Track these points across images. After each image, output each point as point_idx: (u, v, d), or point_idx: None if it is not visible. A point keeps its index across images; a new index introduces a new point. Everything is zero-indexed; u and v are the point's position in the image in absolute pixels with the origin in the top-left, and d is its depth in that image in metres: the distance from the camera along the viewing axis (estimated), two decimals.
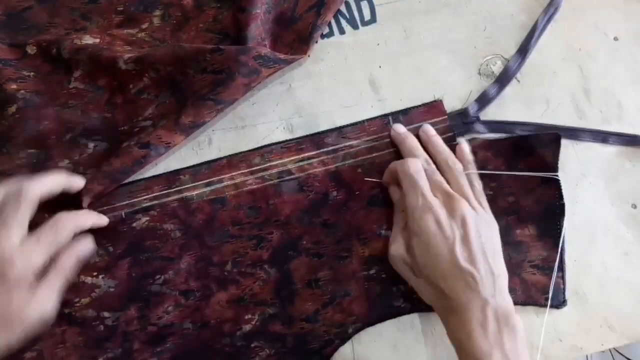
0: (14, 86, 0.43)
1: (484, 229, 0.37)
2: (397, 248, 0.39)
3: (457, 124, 0.44)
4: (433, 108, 0.44)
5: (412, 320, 0.41)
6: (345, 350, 0.40)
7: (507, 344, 0.33)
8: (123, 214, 0.42)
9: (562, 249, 0.41)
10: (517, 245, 0.42)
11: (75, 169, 0.42)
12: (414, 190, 0.38)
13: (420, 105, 0.44)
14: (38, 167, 0.42)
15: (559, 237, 0.41)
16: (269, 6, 0.45)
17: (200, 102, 0.41)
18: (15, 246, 0.34)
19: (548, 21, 0.47)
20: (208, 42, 0.45)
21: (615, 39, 0.47)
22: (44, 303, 0.35)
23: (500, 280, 0.36)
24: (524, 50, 0.46)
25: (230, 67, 0.40)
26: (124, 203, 0.42)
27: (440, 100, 0.45)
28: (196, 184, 0.43)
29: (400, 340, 0.40)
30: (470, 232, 0.36)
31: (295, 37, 0.45)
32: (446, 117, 0.44)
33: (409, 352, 0.40)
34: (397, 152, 0.43)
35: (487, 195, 0.42)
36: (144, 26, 0.46)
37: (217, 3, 0.46)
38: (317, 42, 0.45)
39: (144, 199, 0.42)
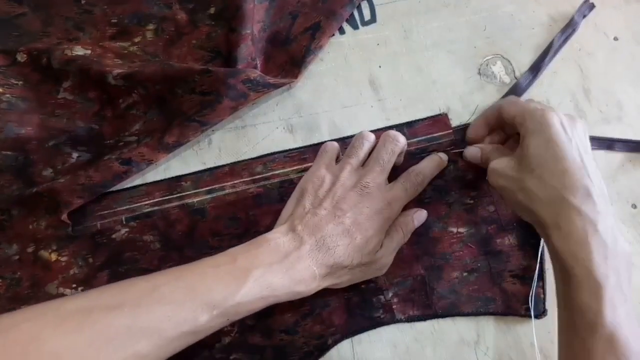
0: None
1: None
2: (500, 162, 0.37)
3: (461, 139, 0.44)
4: (438, 121, 0.44)
5: None
6: (345, 350, 0.40)
7: (622, 271, 0.31)
8: (123, 219, 0.42)
9: (542, 258, 0.41)
10: (498, 255, 0.41)
11: (55, 178, 0.41)
12: (535, 105, 0.37)
13: (425, 118, 0.44)
14: (20, 171, 0.42)
15: (539, 246, 0.41)
16: (265, 24, 0.45)
17: (186, 123, 0.41)
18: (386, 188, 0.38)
19: (565, 41, 0.46)
20: (200, 59, 0.45)
21: (615, 39, 0.47)
22: (385, 256, 0.38)
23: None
24: (536, 68, 0.45)
25: (219, 90, 0.40)
26: (125, 208, 0.42)
27: (446, 114, 0.44)
28: (197, 190, 0.42)
29: (400, 340, 0.40)
30: (588, 145, 0.35)
31: (287, 58, 0.45)
32: (451, 130, 0.44)
33: (409, 352, 0.40)
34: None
35: (467, 204, 0.42)
36: (136, 39, 0.46)
37: (212, 21, 0.46)
38: (308, 67, 0.45)
39: (145, 204, 0.42)
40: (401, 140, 0.39)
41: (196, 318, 0.30)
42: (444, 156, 0.42)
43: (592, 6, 0.47)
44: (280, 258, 0.34)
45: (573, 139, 0.34)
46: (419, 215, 0.41)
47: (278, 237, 0.35)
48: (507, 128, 0.41)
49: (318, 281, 0.35)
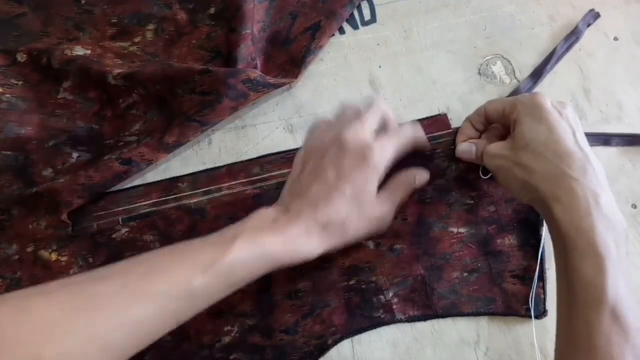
0: None
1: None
2: (495, 145, 0.38)
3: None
4: (438, 121, 0.44)
5: None
6: (345, 350, 0.40)
7: (621, 245, 0.31)
8: (120, 220, 0.42)
9: (542, 259, 0.41)
10: (498, 255, 0.41)
11: (55, 178, 0.41)
12: (522, 94, 0.38)
13: (425, 118, 0.44)
14: (20, 171, 0.42)
15: (539, 246, 0.41)
16: (265, 24, 0.45)
17: (186, 123, 0.41)
18: (372, 137, 0.37)
19: (567, 49, 0.46)
20: (200, 59, 0.45)
21: (615, 39, 0.47)
22: (385, 206, 0.37)
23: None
24: (537, 74, 0.45)
25: (219, 90, 0.40)
26: (122, 209, 0.42)
27: (445, 114, 0.44)
28: (195, 191, 0.42)
29: (400, 340, 0.40)
30: (579, 124, 0.36)
31: (287, 58, 0.45)
32: (451, 130, 0.44)
33: (409, 351, 0.40)
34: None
35: (467, 204, 0.42)
36: (136, 39, 0.46)
37: (212, 21, 0.46)
38: (308, 67, 0.45)
39: (143, 205, 0.42)
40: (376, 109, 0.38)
41: (189, 281, 0.30)
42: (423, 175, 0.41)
43: (597, 15, 0.47)
44: (269, 223, 0.34)
45: (564, 116, 0.35)
46: (421, 175, 0.40)
47: (265, 209, 0.35)
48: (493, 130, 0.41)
49: (316, 239, 0.34)
